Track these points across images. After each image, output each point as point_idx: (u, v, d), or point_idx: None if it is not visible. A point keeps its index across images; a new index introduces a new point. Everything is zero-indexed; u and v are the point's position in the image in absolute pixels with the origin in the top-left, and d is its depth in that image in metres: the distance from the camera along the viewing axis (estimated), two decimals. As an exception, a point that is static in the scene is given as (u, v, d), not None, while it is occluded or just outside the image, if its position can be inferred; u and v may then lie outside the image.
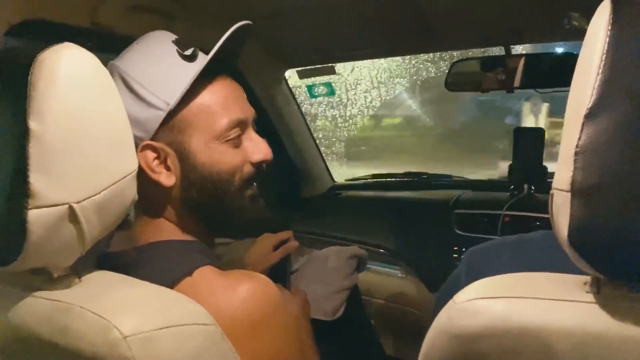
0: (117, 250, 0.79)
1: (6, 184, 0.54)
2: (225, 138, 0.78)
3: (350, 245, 1.39)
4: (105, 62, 0.63)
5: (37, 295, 0.58)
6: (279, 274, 0.78)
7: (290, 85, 1.73)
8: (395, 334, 1.59)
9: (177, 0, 1.08)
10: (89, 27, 0.97)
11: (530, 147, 1.49)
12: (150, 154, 0.77)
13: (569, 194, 0.42)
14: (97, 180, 0.58)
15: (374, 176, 2.16)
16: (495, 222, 1.48)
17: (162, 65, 0.76)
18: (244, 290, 0.69)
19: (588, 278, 0.46)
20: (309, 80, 1.63)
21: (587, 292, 0.45)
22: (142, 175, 0.75)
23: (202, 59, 0.77)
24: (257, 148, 0.82)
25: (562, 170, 0.44)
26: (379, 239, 1.69)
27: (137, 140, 0.75)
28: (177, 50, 0.77)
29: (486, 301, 0.47)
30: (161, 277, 0.66)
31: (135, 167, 0.64)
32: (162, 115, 0.75)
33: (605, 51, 0.43)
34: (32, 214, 0.53)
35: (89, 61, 0.59)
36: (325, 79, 1.63)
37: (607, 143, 0.41)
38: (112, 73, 0.75)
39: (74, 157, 0.56)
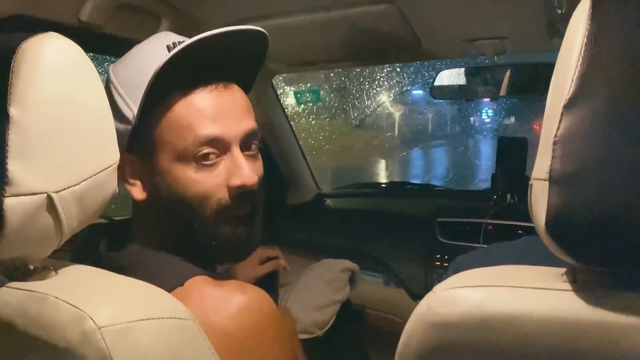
0: (112, 253, 0.77)
1: None
2: (194, 158, 0.70)
3: (332, 252, 1.39)
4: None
5: (11, 286, 0.57)
6: (267, 288, 0.76)
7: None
8: (376, 342, 1.58)
9: (164, 0, 1.08)
10: (76, 26, 0.97)
11: (513, 156, 1.51)
12: (127, 165, 0.73)
13: (547, 182, 0.43)
14: (78, 171, 0.57)
15: (358, 186, 2.18)
16: (478, 231, 1.49)
17: (144, 73, 0.69)
18: (237, 303, 0.66)
19: (565, 269, 0.47)
20: (296, 87, 1.64)
21: (563, 281, 0.46)
22: None
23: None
24: (236, 172, 0.72)
25: (540, 160, 0.45)
26: (362, 246, 1.70)
27: None
28: (166, 56, 0.67)
29: (464, 290, 0.47)
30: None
31: (116, 159, 0.63)
32: (129, 129, 0.71)
33: (584, 44, 0.44)
34: (9, 202, 0.52)
35: (73, 51, 0.58)
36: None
37: (585, 132, 0.42)
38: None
39: (54, 146, 0.55)
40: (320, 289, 1.27)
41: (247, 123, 0.75)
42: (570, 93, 0.43)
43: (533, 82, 1.37)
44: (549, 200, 0.43)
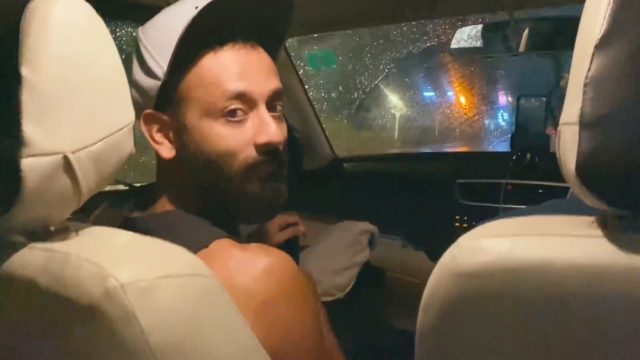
0: (137, 215, 0.77)
1: None
2: (222, 113, 0.71)
3: (350, 216, 1.37)
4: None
5: (34, 247, 0.57)
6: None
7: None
8: (396, 304, 1.59)
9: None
10: None
11: (532, 115, 1.48)
12: (154, 124, 0.74)
13: (577, 126, 0.41)
14: (93, 131, 0.56)
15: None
16: (498, 191, 1.47)
17: (172, 30, 0.69)
18: (261, 265, 0.65)
19: (594, 217, 0.45)
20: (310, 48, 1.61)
21: (594, 228, 0.44)
22: None
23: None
24: (263, 129, 0.72)
25: (570, 104, 0.43)
26: (380, 209, 1.68)
27: (141, 109, 0.73)
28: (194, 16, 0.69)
29: (490, 240, 0.46)
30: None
31: (132, 119, 0.62)
32: (158, 84, 0.72)
33: None
34: (26, 163, 0.51)
35: (83, 9, 0.57)
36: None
37: (618, 72, 0.40)
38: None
39: (68, 106, 0.54)
40: (340, 251, 1.26)
41: (274, 82, 0.75)
42: (602, 31, 0.41)
43: (554, 36, 1.32)
44: (579, 144, 0.41)
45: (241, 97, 0.72)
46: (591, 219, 0.46)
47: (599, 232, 0.43)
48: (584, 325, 0.43)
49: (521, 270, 0.44)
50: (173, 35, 0.69)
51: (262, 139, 0.72)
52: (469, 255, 0.46)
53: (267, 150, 0.73)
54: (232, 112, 0.72)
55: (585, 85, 0.41)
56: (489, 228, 0.48)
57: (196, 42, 0.71)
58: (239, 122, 0.72)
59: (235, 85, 0.71)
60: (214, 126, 0.72)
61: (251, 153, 0.73)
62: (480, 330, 0.48)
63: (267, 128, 0.72)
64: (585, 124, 0.41)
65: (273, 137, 0.73)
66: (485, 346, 0.48)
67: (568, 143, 0.42)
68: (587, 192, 0.42)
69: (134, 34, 0.99)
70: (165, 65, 0.71)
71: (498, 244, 0.45)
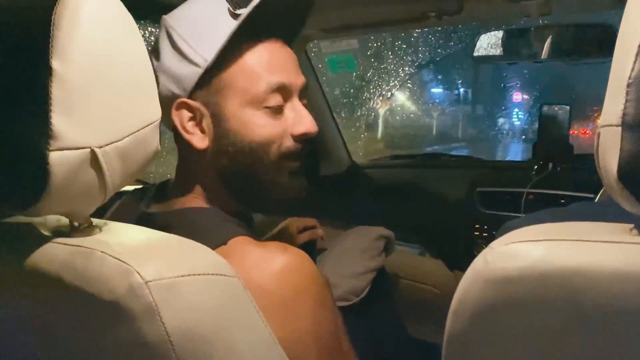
0: (155, 210, 0.77)
1: (28, 125, 0.52)
2: (263, 104, 0.74)
3: (367, 222, 1.36)
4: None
5: (57, 241, 0.56)
6: None
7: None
8: (412, 311, 1.57)
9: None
10: None
11: (556, 125, 1.46)
12: (186, 113, 0.75)
13: (620, 128, 0.40)
14: (120, 126, 0.56)
15: (393, 157, 2.14)
16: (519, 200, 1.45)
17: (208, 21, 0.73)
18: (279, 262, 0.66)
19: (633, 224, 0.44)
20: (330, 53, 1.61)
21: (633, 235, 0.43)
22: (180, 137, 0.76)
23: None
24: (300, 120, 0.76)
25: (611, 104, 0.41)
26: (398, 216, 1.67)
27: (174, 97, 0.74)
28: (228, 8, 0.73)
29: (525, 244, 0.44)
30: None
31: (158, 116, 0.62)
32: (199, 72, 0.73)
33: None
34: (54, 156, 0.51)
35: (113, 3, 0.57)
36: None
37: None
38: (160, 27, 0.75)
39: (97, 100, 0.54)
40: (356, 256, 1.25)
41: (302, 77, 0.79)
42: None
43: (580, 43, 1.30)
44: (621, 146, 0.40)
45: (281, 89, 0.75)
46: (629, 225, 0.44)
47: (638, 238, 0.42)
48: (624, 336, 0.41)
49: (558, 277, 0.42)
50: (216, 26, 0.72)
51: (300, 129, 0.76)
52: (503, 260, 0.45)
53: (303, 140, 0.77)
54: (274, 104, 0.75)
55: (628, 85, 0.40)
56: (523, 232, 0.47)
57: (240, 34, 0.73)
58: (278, 112, 0.75)
59: (277, 77, 0.74)
60: (256, 115, 0.74)
61: (287, 143, 0.76)
62: (512, 339, 0.46)
63: (304, 119, 0.76)
64: (628, 126, 0.39)
65: (310, 127, 0.76)
66: (517, 355, 0.46)
67: (609, 145, 0.41)
68: (629, 197, 0.40)
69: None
70: (207, 54, 0.72)
71: (533, 248, 0.44)
